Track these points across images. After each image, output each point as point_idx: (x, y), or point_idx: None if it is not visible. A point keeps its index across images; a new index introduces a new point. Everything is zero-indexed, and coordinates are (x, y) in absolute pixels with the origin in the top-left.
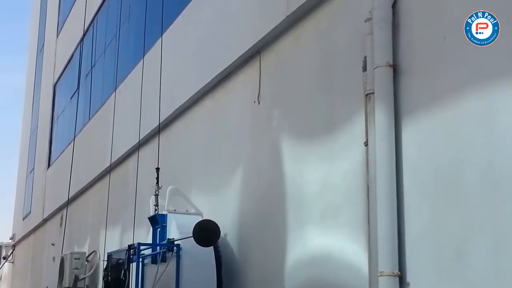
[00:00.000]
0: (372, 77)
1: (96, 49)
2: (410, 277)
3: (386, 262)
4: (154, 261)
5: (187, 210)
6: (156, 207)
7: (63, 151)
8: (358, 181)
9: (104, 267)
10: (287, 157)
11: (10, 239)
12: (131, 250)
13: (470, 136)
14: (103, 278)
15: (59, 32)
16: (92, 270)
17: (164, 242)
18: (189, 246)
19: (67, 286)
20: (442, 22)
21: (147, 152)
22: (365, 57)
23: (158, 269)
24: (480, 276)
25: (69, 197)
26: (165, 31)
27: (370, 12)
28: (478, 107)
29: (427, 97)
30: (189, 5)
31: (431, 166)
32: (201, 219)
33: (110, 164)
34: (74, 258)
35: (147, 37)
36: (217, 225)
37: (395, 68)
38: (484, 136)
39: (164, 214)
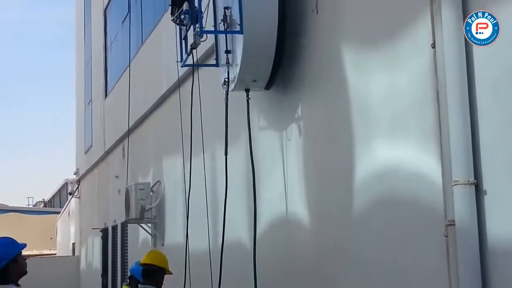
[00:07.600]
0: None
1: None
2: (486, 184)
3: (461, 171)
4: None
5: None
6: None
7: (119, 78)
8: (426, 87)
9: None
10: (348, 65)
11: (74, 174)
12: None
13: None
14: None
15: None
16: (158, 201)
17: None
18: None
19: (134, 217)
20: None
21: (204, 73)
22: None
23: None
24: None
25: (130, 126)
26: None
27: None
28: None
29: None
30: None
31: (503, 65)
32: None
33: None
34: (139, 189)
35: None
36: None
37: None
38: None
39: None
